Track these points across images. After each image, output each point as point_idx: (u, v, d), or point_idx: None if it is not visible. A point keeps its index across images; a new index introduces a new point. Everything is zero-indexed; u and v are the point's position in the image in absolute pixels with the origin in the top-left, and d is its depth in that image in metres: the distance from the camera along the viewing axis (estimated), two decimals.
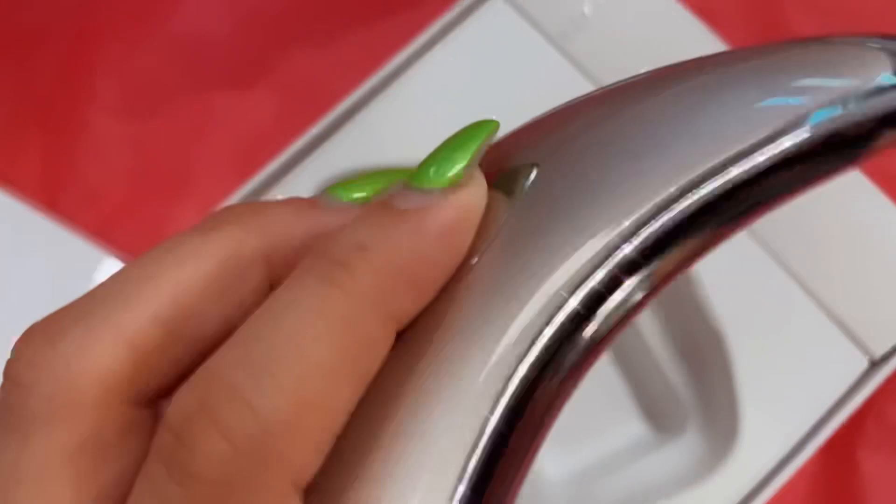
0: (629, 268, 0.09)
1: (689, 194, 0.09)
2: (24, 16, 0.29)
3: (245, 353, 0.09)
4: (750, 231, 0.24)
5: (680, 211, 0.09)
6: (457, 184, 0.11)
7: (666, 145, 0.10)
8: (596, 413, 0.26)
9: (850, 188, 0.23)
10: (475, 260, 0.10)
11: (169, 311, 0.10)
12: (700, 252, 0.10)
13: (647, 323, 0.26)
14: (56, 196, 0.28)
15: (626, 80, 0.11)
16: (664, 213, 0.09)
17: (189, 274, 0.11)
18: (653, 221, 0.09)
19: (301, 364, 0.09)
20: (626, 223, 0.09)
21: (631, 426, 0.26)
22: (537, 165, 0.11)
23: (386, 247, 0.10)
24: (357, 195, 0.12)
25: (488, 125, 0.12)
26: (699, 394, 0.25)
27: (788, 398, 0.23)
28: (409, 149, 0.24)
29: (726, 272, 0.24)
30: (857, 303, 0.23)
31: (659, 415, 0.26)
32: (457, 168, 0.11)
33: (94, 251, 0.27)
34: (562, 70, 0.24)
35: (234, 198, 0.24)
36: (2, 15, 0.29)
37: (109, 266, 0.26)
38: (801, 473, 0.24)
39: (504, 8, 0.25)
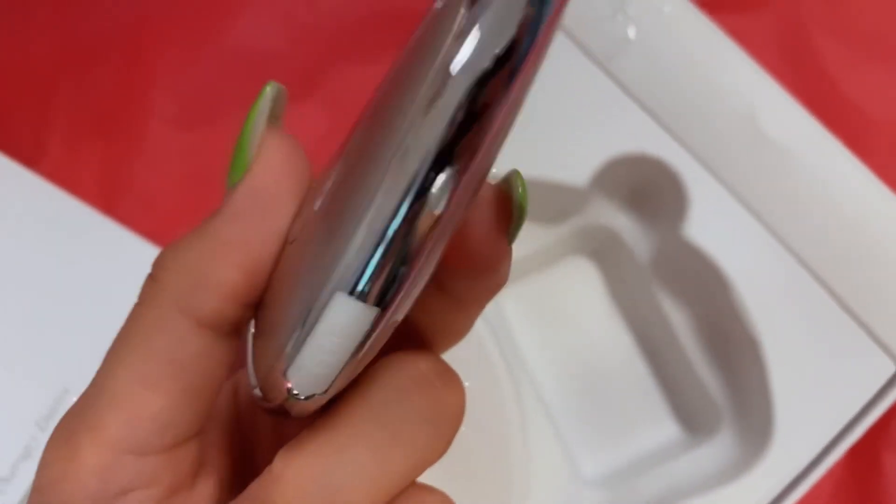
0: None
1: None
2: (86, 31, 0.31)
3: None
4: (783, 242, 0.25)
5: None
6: (248, 168, 0.12)
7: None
8: (632, 414, 0.28)
9: (878, 206, 0.25)
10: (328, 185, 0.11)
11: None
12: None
13: (681, 327, 0.27)
14: (114, 202, 0.29)
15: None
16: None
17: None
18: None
19: None
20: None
21: (665, 427, 0.27)
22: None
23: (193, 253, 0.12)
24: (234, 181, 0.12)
25: (260, 95, 0.12)
26: (733, 396, 0.26)
27: (819, 402, 0.25)
28: None
29: (760, 280, 0.25)
30: (885, 310, 0.24)
31: (693, 416, 0.27)
32: (245, 154, 0.12)
33: (149, 250, 0.28)
34: (606, 89, 0.26)
35: None
36: (65, 30, 0.31)
37: None
38: (828, 475, 0.25)
39: None
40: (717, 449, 0.26)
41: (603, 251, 0.28)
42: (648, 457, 0.27)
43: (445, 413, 0.12)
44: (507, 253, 0.13)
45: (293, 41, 0.31)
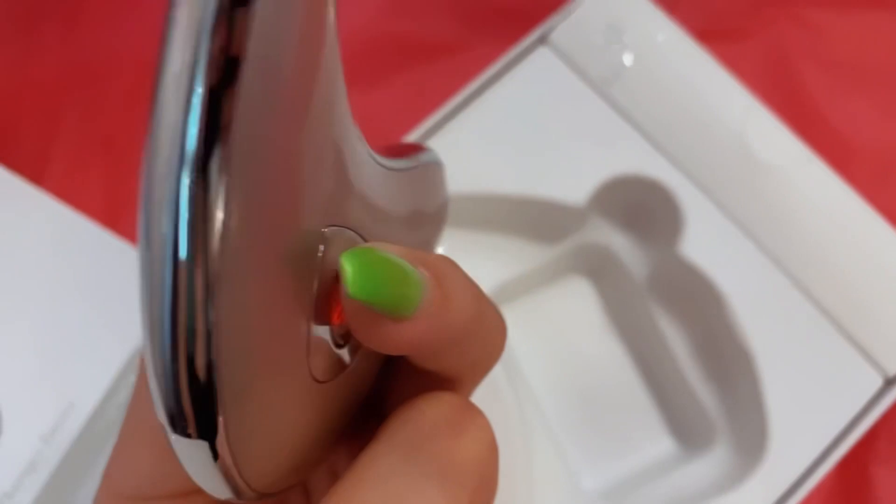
0: None
1: None
2: (93, 50, 0.31)
3: None
4: (774, 260, 0.26)
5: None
6: None
7: None
8: (628, 429, 0.28)
9: (865, 226, 0.26)
10: None
11: None
12: None
13: (676, 344, 0.28)
14: (118, 217, 0.30)
15: None
16: None
17: None
18: None
19: None
20: None
21: (662, 441, 0.28)
22: None
23: None
24: None
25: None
26: (727, 411, 0.27)
27: (810, 415, 0.25)
28: (463, 188, 0.26)
29: (752, 297, 0.26)
30: (873, 325, 0.25)
31: (688, 431, 0.28)
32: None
33: None
34: (603, 115, 0.27)
35: None
36: (72, 49, 0.31)
37: None
38: (818, 489, 0.26)
39: (551, 56, 0.27)
40: (712, 462, 0.27)
41: (600, 270, 0.29)
42: (645, 470, 0.28)
43: (459, 467, 0.11)
44: (417, 330, 0.10)
45: None
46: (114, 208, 0.30)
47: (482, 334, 0.12)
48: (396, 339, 0.10)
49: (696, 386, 0.27)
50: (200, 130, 0.08)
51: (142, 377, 0.12)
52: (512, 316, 0.29)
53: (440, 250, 0.27)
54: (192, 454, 0.09)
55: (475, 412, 0.12)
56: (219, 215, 0.08)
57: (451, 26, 0.31)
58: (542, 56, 0.27)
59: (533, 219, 0.27)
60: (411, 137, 0.27)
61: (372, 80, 0.31)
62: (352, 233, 0.11)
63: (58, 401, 0.24)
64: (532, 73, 0.27)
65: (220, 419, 0.09)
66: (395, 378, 0.14)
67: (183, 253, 0.08)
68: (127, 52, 0.31)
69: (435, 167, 0.17)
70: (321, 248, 0.10)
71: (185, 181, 0.08)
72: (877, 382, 0.25)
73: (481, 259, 0.28)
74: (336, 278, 0.11)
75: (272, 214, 0.09)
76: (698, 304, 0.27)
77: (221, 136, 0.08)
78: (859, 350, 0.25)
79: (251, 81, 0.08)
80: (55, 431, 0.24)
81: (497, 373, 0.26)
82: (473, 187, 0.26)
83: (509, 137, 0.27)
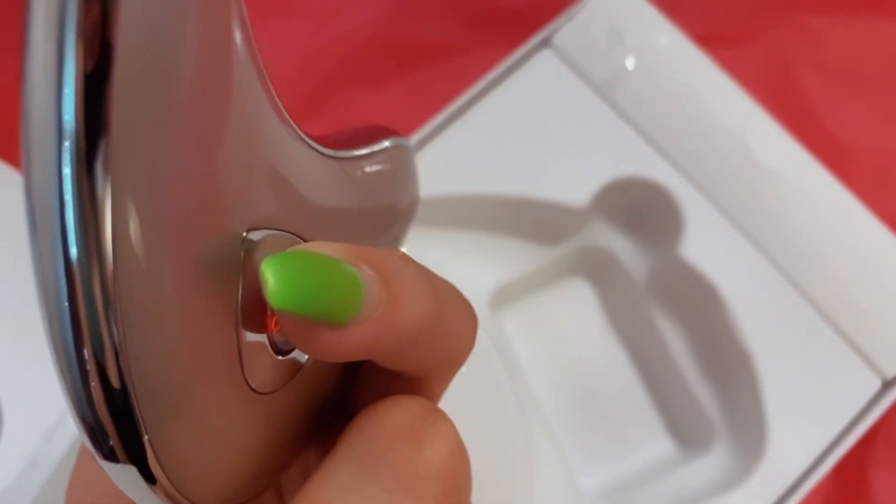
0: None
1: None
2: None
3: None
4: (773, 262, 0.26)
5: None
6: None
7: None
8: (628, 429, 0.28)
9: (862, 229, 0.26)
10: None
11: None
12: None
13: (676, 345, 0.28)
14: None
15: None
16: None
17: None
18: None
19: None
20: None
21: (661, 442, 0.28)
22: None
23: None
24: None
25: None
26: (726, 412, 0.27)
27: (808, 417, 0.26)
28: (465, 189, 0.26)
29: (752, 298, 0.26)
30: (871, 327, 0.26)
31: (687, 432, 0.28)
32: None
33: None
34: (605, 117, 0.27)
35: None
36: None
37: None
38: (816, 491, 0.26)
39: (553, 59, 0.27)
40: (711, 463, 0.27)
41: (600, 271, 0.29)
42: (644, 471, 0.28)
43: (420, 476, 0.10)
44: (359, 336, 0.10)
45: (300, 66, 0.31)
46: None
47: (444, 332, 0.11)
48: (335, 348, 0.10)
49: (696, 387, 0.27)
50: (78, 116, 0.07)
51: None
52: (512, 317, 0.29)
53: (437, 252, 0.27)
54: (124, 479, 0.09)
55: (437, 417, 0.11)
56: (108, 212, 0.07)
57: (455, 29, 0.31)
58: (544, 59, 0.27)
59: (534, 220, 0.28)
60: (414, 139, 0.27)
61: (375, 82, 0.31)
62: (285, 234, 0.11)
63: (59, 398, 0.24)
64: (535, 76, 0.27)
65: (146, 439, 0.08)
66: (360, 375, 0.13)
67: (73, 252, 0.07)
68: None
69: (398, 151, 0.15)
70: (242, 253, 0.10)
71: (67, 170, 0.07)
72: (875, 385, 0.26)
73: (482, 260, 0.28)
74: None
75: (176, 216, 0.08)
76: (698, 306, 0.27)
77: (102, 127, 0.07)
78: (857, 353, 0.26)
79: (128, 71, 0.07)
80: (57, 429, 0.24)
81: (497, 373, 0.26)
82: (475, 188, 0.26)
83: (511, 139, 0.27)
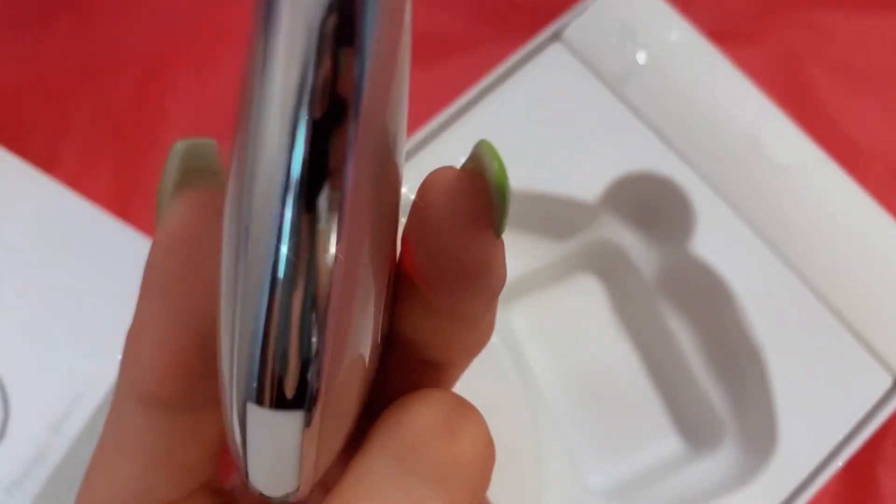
0: None
1: None
2: (106, 43, 0.31)
3: None
4: (784, 259, 0.26)
5: None
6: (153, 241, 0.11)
7: None
8: (637, 427, 0.28)
9: (875, 226, 0.26)
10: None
11: None
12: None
13: (685, 342, 0.28)
14: (128, 206, 0.30)
15: None
16: None
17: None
18: None
19: None
20: None
21: (670, 440, 0.28)
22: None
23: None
24: None
25: (170, 156, 0.11)
26: (735, 410, 0.27)
27: (819, 415, 0.25)
28: None
29: (762, 295, 0.26)
30: (883, 326, 0.25)
31: (697, 430, 0.28)
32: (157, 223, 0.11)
33: None
34: (616, 112, 0.27)
35: None
36: (86, 41, 0.31)
37: None
38: (825, 490, 0.26)
39: (564, 53, 0.27)
40: (720, 461, 0.27)
41: (610, 267, 0.29)
42: (653, 469, 0.28)
43: (458, 469, 0.10)
44: (497, 247, 0.10)
45: None
46: (124, 197, 0.30)
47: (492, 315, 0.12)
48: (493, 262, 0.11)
49: (705, 385, 0.27)
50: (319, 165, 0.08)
51: (122, 379, 0.11)
52: (521, 312, 0.29)
53: None
54: (271, 435, 0.09)
55: (468, 409, 0.11)
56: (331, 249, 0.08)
57: (465, 22, 0.31)
58: (555, 52, 0.27)
59: (544, 215, 0.28)
60: (424, 132, 0.27)
61: None
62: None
63: (67, 390, 0.24)
64: (545, 70, 0.27)
65: (319, 386, 0.08)
66: (387, 365, 0.13)
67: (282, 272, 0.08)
68: (138, 44, 0.31)
69: None
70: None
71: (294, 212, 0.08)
72: (886, 383, 0.25)
73: None
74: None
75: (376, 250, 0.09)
76: (708, 302, 0.27)
77: (333, 172, 0.08)
78: (869, 351, 0.25)
79: (365, 121, 0.08)
80: (64, 421, 0.24)
81: (506, 369, 0.26)
82: None
83: (522, 133, 0.27)
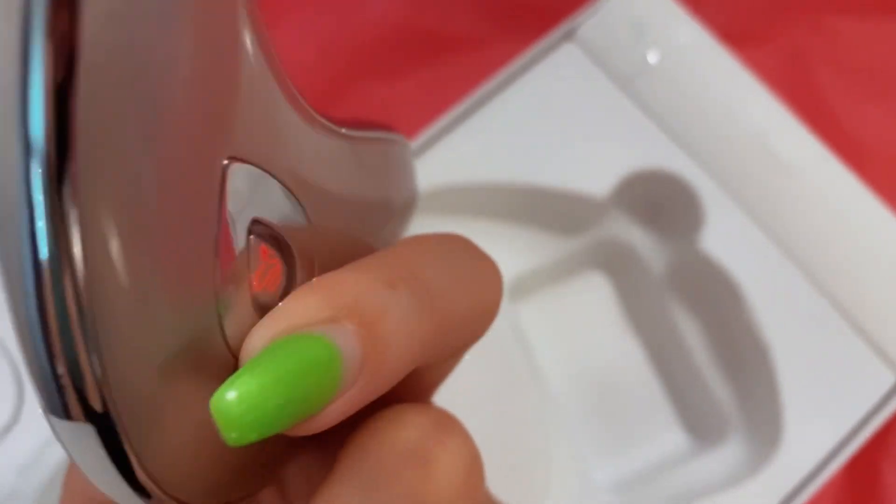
0: None
1: None
2: None
3: None
4: (790, 256, 0.26)
5: None
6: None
7: None
8: (643, 422, 0.28)
9: (880, 225, 0.26)
10: None
11: None
12: None
13: (692, 338, 0.28)
14: None
15: None
16: None
17: None
18: None
19: None
20: None
21: (676, 435, 0.28)
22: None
23: None
24: None
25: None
26: (741, 405, 0.27)
27: (823, 411, 0.26)
28: (484, 178, 0.27)
29: (769, 292, 0.26)
30: (887, 323, 0.26)
31: (702, 425, 0.28)
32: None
33: None
34: (626, 111, 0.27)
35: None
36: None
37: None
38: (828, 486, 0.26)
39: (576, 52, 0.28)
40: (724, 456, 0.27)
41: (618, 264, 0.29)
42: (657, 463, 0.28)
43: (440, 485, 0.09)
44: (343, 406, 0.09)
45: (321, 55, 0.32)
46: None
47: (452, 334, 0.10)
48: (316, 427, 0.09)
49: (711, 381, 0.28)
50: (48, 124, 0.07)
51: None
52: (529, 307, 0.29)
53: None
54: (73, 446, 0.08)
55: (447, 429, 0.10)
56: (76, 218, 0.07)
57: (477, 21, 0.32)
58: (567, 51, 0.28)
59: (553, 211, 0.28)
60: (434, 129, 0.27)
61: (396, 72, 0.32)
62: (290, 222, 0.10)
63: None
64: (557, 68, 0.28)
65: (133, 459, 0.08)
66: None
67: (44, 253, 0.07)
68: None
69: (397, 143, 0.15)
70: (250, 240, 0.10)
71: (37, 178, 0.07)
72: (890, 380, 0.26)
73: (499, 250, 0.28)
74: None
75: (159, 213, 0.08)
76: (715, 300, 0.27)
77: (68, 137, 0.07)
78: (873, 348, 0.26)
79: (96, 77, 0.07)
80: None
81: (514, 363, 0.27)
82: (494, 178, 0.27)
83: (533, 130, 0.27)
